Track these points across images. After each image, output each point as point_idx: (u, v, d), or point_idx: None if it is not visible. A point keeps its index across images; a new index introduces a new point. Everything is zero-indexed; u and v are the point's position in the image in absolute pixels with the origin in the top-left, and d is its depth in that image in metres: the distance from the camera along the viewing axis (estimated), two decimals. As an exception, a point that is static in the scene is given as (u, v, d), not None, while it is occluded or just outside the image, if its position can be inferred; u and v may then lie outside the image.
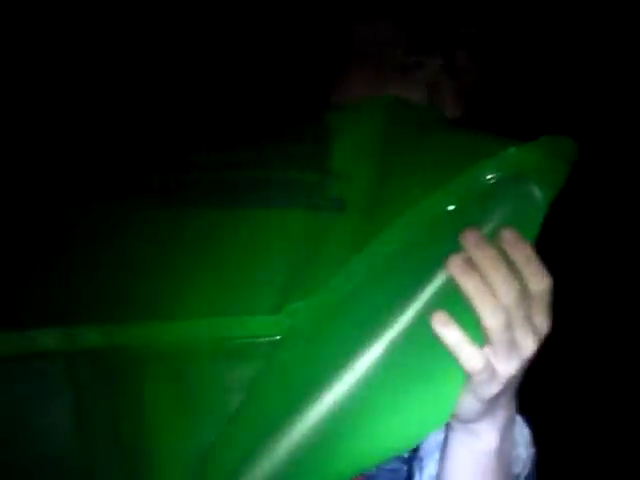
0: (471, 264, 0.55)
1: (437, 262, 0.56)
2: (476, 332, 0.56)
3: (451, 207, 0.57)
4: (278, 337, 0.58)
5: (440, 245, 0.57)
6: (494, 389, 0.59)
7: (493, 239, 0.56)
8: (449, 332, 0.56)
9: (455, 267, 0.56)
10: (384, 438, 0.60)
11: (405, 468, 0.77)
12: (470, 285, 0.55)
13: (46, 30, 1.08)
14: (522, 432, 0.73)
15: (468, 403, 0.60)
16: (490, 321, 0.56)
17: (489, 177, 0.57)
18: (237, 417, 0.58)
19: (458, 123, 0.76)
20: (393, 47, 0.76)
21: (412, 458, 0.76)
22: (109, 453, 0.59)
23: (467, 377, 0.58)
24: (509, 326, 0.56)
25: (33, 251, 0.65)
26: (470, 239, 0.56)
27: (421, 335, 0.57)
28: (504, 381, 0.58)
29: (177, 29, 1.11)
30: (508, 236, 0.56)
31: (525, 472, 0.73)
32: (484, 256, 0.55)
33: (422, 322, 0.57)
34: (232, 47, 0.97)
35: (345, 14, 0.78)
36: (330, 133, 0.67)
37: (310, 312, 0.58)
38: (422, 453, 0.74)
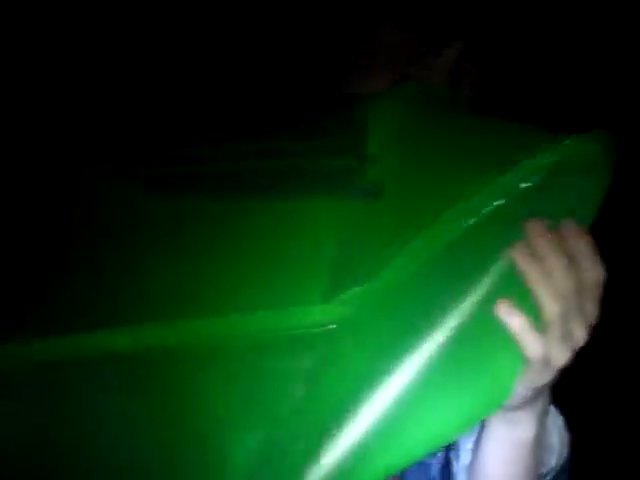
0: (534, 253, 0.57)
1: (495, 251, 0.57)
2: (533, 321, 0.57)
3: (508, 199, 0.57)
4: (333, 326, 0.58)
5: (497, 235, 0.58)
6: (546, 378, 0.60)
7: (551, 229, 0.58)
8: (514, 319, 0.57)
9: (520, 255, 0.57)
10: (441, 425, 0.59)
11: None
12: (534, 273, 0.57)
13: (41, 25, 1.07)
14: (555, 421, 0.74)
15: (517, 392, 0.60)
16: (550, 309, 0.57)
17: (545, 169, 0.57)
18: (300, 409, 0.57)
19: (479, 108, 0.77)
20: (411, 36, 0.77)
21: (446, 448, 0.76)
22: (169, 451, 0.58)
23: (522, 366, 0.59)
24: (566, 315, 0.57)
25: (64, 251, 0.65)
26: (535, 229, 0.57)
27: (481, 323, 0.57)
28: (555, 370, 0.59)
29: (194, 20, 1.11)
30: (569, 227, 0.58)
31: (561, 461, 0.74)
32: (548, 246, 0.57)
33: (482, 310, 0.57)
34: (250, 44, 0.98)
35: (361, 11, 0.79)
36: (362, 121, 0.67)
37: (364, 300, 0.58)
38: (458, 442, 0.75)
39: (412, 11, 0.77)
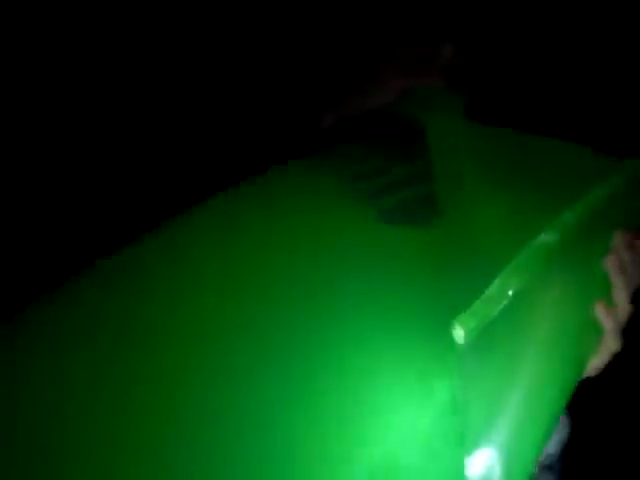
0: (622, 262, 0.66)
1: (587, 261, 0.64)
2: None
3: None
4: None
5: (587, 247, 0.64)
6: (601, 368, 0.68)
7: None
8: (609, 318, 0.65)
9: (613, 266, 0.65)
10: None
11: None
12: (621, 279, 0.66)
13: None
14: None
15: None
16: (626, 309, 0.67)
17: (615, 193, 0.63)
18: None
19: (476, 108, 0.79)
20: (412, 43, 0.78)
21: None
22: None
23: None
24: None
25: None
26: (622, 240, 0.66)
27: (579, 320, 0.65)
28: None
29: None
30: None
31: (561, 445, 0.80)
32: (631, 256, 0.66)
33: (581, 310, 0.65)
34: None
35: (361, 18, 0.79)
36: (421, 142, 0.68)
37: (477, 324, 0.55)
38: None
39: (411, 17, 0.78)
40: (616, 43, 1.25)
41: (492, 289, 0.53)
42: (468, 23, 0.81)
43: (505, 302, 0.53)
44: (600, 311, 0.65)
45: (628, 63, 1.27)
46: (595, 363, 0.67)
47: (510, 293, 0.53)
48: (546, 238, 0.57)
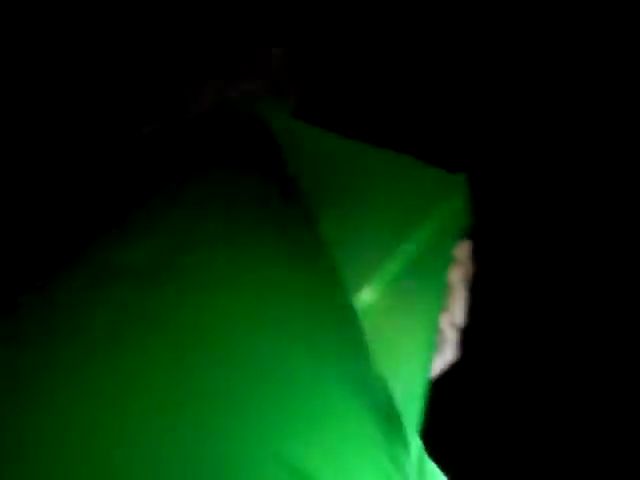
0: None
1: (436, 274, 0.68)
2: None
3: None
4: None
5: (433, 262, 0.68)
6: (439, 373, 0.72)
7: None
8: (450, 329, 0.70)
9: (458, 277, 0.69)
10: None
11: None
12: (462, 288, 0.70)
13: None
14: None
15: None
16: (463, 313, 0.70)
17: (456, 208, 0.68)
18: None
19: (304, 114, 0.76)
20: (235, 40, 0.74)
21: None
22: None
23: None
24: None
25: None
26: (463, 254, 0.70)
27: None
28: None
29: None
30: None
31: None
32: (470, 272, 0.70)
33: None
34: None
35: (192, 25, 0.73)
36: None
37: None
38: None
39: (230, 19, 0.74)
40: (449, 53, 1.23)
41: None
42: (298, 26, 0.77)
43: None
44: (444, 321, 0.68)
45: (457, 72, 1.24)
46: (436, 365, 0.69)
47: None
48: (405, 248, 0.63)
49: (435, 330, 0.67)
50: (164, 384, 0.50)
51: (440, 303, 0.67)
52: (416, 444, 0.64)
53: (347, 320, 0.60)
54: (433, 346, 0.67)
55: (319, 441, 0.53)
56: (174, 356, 0.51)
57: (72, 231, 0.57)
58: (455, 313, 0.69)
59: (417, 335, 0.65)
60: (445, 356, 0.70)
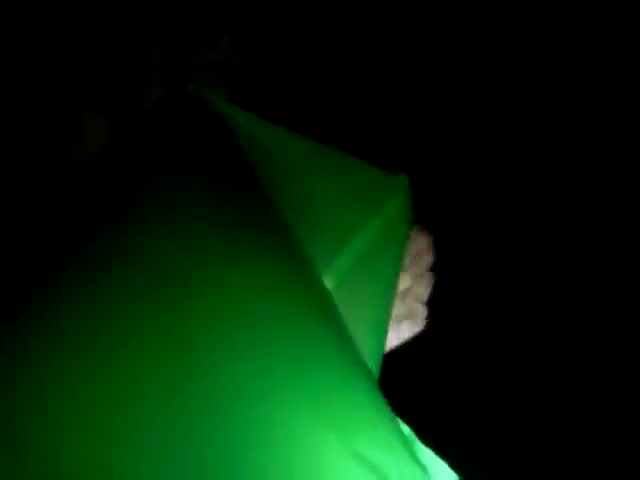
0: None
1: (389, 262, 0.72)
2: None
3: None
4: None
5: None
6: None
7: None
8: (420, 305, 0.78)
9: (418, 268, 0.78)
10: None
11: None
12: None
13: None
14: None
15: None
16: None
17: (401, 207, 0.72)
18: None
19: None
20: (181, 29, 0.73)
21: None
22: None
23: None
24: None
25: None
26: (419, 246, 0.78)
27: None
28: None
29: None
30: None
31: None
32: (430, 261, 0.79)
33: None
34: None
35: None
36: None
37: None
38: None
39: (174, 11, 0.73)
40: (390, 49, 1.22)
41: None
42: (244, 15, 0.77)
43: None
44: (411, 299, 0.78)
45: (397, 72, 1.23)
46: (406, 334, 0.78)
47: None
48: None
49: (385, 316, 0.72)
50: (162, 386, 0.53)
51: (390, 292, 0.72)
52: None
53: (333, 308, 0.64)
54: (383, 331, 0.71)
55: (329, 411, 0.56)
56: (171, 357, 0.53)
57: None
58: (420, 293, 0.77)
59: (367, 318, 0.69)
60: (414, 327, 0.78)
